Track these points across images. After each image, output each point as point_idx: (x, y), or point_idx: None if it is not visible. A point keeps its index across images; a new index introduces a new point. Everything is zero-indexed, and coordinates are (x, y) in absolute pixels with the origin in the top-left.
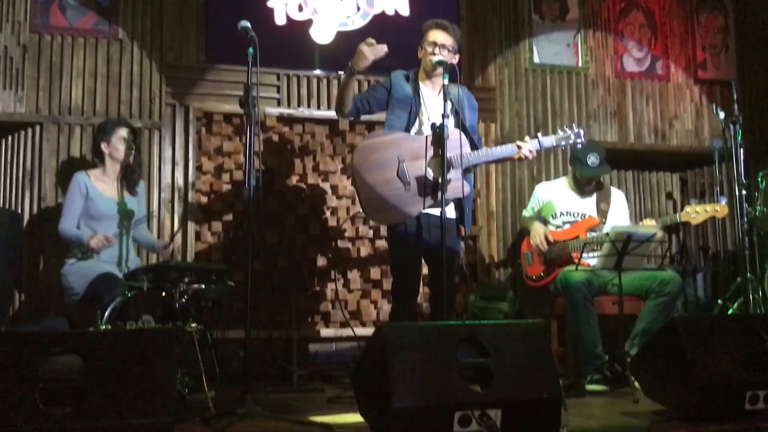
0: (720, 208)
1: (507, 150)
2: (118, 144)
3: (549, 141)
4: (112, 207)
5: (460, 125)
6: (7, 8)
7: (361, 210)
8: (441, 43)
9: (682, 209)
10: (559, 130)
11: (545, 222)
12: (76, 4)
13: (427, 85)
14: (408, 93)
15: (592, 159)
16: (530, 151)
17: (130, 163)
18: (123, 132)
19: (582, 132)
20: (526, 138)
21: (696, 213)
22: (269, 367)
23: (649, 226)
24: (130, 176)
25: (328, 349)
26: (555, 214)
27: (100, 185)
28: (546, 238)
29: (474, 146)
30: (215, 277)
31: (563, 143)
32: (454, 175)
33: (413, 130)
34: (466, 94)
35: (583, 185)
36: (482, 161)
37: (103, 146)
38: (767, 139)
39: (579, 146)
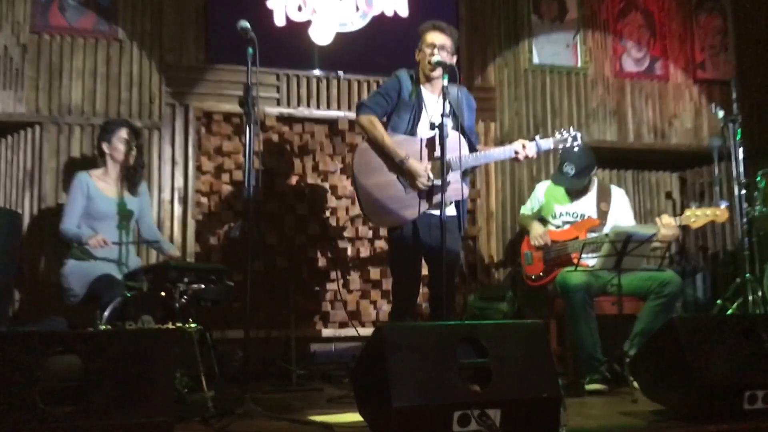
0: (720, 213)
1: (505, 153)
2: (118, 145)
3: (546, 144)
4: (112, 207)
5: (459, 127)
6: (6, 8)
7: (361, 212)
8: (440, 44)
9: (681, 212)
10: (557, 133)
11: (544, 222)
12: (76, 5)
13: (427, 88)
14: (411, 95)
15: (567, 169)
16: (527, 156)
17: (131, 163)
18: (124, 133)
19: (579, 135)
20: (525, 142)
21: (696, 217)
22: (268, 366)
23: (668, 225)
24: (131, 177)
25: (327, 349)
26: (555, 214)
27: (102, 185)
28: (546, 238)
29: (472, 148)
30: (215, 277)
31: (560, 146)
32: (453, 177)
33: (415, 132)
34: (464, 95)
35: (570, 190)
36: (480, 163)
37: (104, 146)
38: (766, 138)
39: (576, 149)
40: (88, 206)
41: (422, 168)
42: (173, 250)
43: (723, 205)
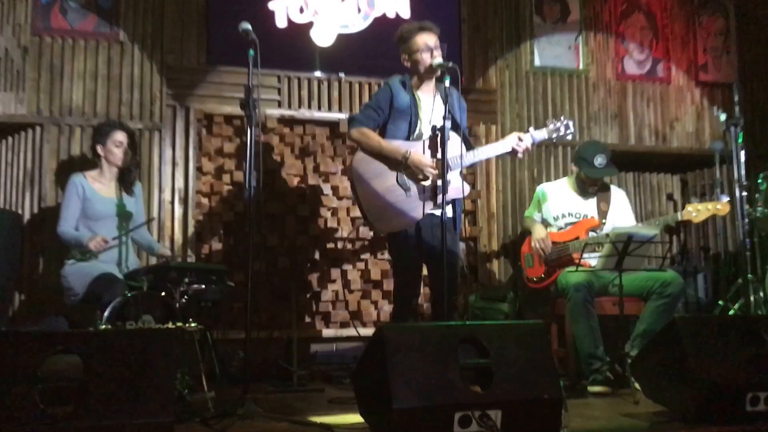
0: (721, 206)
1: (501, 147)
2: (113, 148)
3: (540, 135)
4: (110, 207)
5: (456, 127)
6: (8, 10)
7: (362, 217)
8: (434, 45)
9: (683, 209)
10: (549, 123)
11: (546, 224)
12: (77, 7)
13: (422, 90)
14: (406, 102)
15: (600, 160)
16: (526, 149)
17: (126, 165)
18: (119, 136)
19: (571, 123)
20: (520, 134)
21: (697, 211)
22: (269, 367)
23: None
24: (127, 177)
25: (328, 350)
26: (557, 215)
27: (98, 186)
28: (547, 243)
29: (469, 147)
30: (215, 277)
31: (554, 136)
32: (453, 176)
33: (413, 137)
34: (456, 95)
35: (587, 186)
36: (477, 161)
37: (99, 149)
38: (767, 140)
39: (570, 137)
40: (85, 208)
41: (426, 159)
42: (163, 249)
43: (724, 199)
